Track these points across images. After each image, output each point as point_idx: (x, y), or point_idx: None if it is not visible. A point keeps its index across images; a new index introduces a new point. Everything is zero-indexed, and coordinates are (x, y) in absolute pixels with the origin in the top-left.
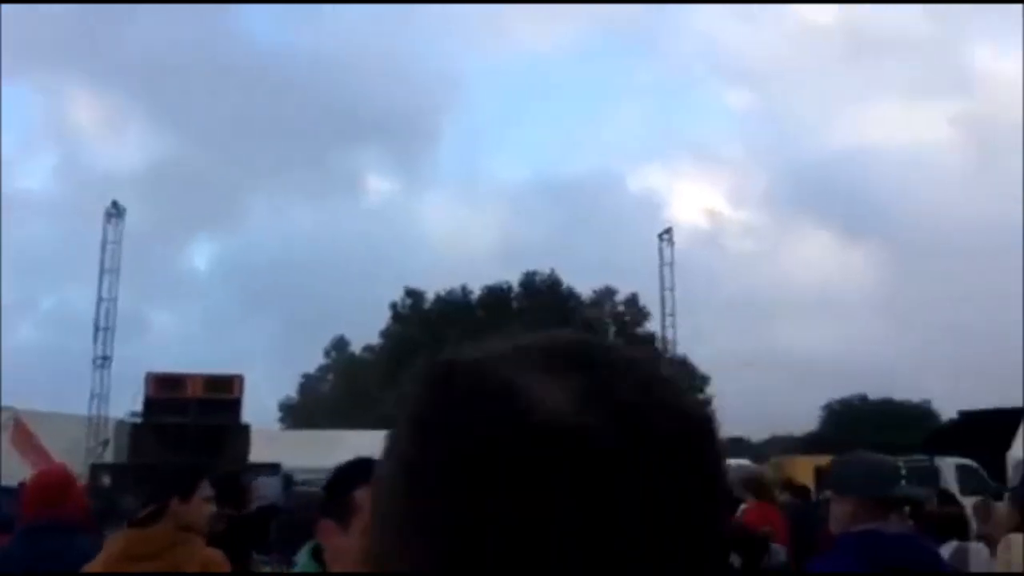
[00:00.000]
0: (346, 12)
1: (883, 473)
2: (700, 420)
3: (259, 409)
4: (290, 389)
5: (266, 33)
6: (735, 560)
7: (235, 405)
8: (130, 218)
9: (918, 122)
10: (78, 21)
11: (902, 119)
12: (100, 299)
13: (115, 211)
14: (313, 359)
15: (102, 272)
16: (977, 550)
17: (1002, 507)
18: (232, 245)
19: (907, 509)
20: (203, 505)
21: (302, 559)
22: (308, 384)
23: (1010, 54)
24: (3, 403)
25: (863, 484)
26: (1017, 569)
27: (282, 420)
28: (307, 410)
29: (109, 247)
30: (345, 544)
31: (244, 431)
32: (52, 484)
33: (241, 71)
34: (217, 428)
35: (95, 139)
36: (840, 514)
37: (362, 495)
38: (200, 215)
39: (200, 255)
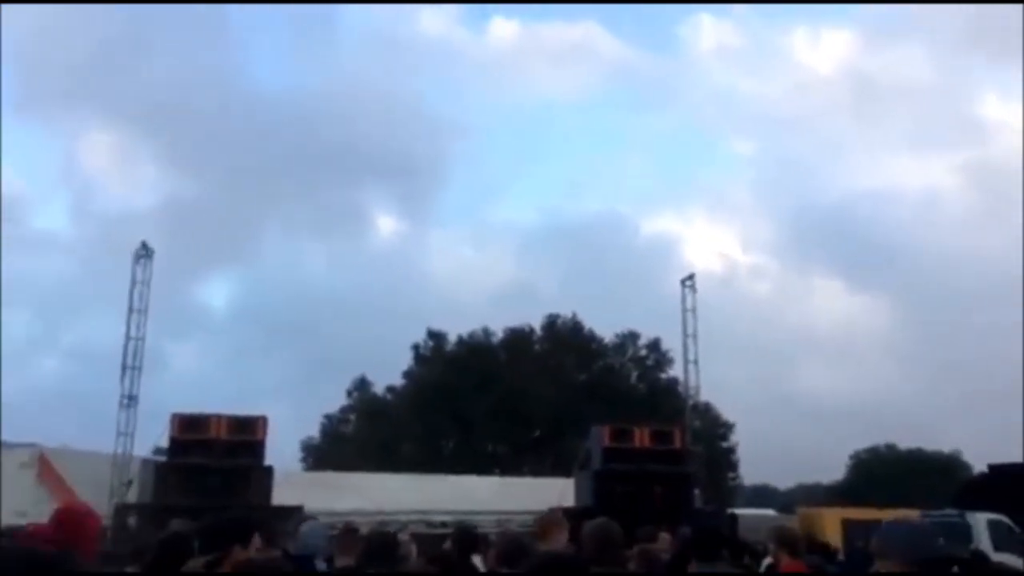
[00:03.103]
0: (359, 56)
1: (924, 537)
2: None
3: (281, 449)
4: (312, 429)
5: (277, 75)
6: None
7: (259, 447)
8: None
9: (924, 169)
10: (92, 63)
11: (908, 166)
12: (128, 338)
13: (144, 252)
14: (335, 399)
15: (130, 312)
16: None
17: None
18: (250, 285)
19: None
20: (259, 554)
21: None
22: (330, 425)
23: (1013, 103)
24: (28, 440)
25: (906, 548)
26: None
27: (304, 460)
28: (329, 451)
29: (137, 287)
30: None
31: (267, 473)
32: (69, 522)
33: (253, 112)
34: (241, 469)
35: (110, 180)
36: None
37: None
38: (216, 255)
39: (219, 294)
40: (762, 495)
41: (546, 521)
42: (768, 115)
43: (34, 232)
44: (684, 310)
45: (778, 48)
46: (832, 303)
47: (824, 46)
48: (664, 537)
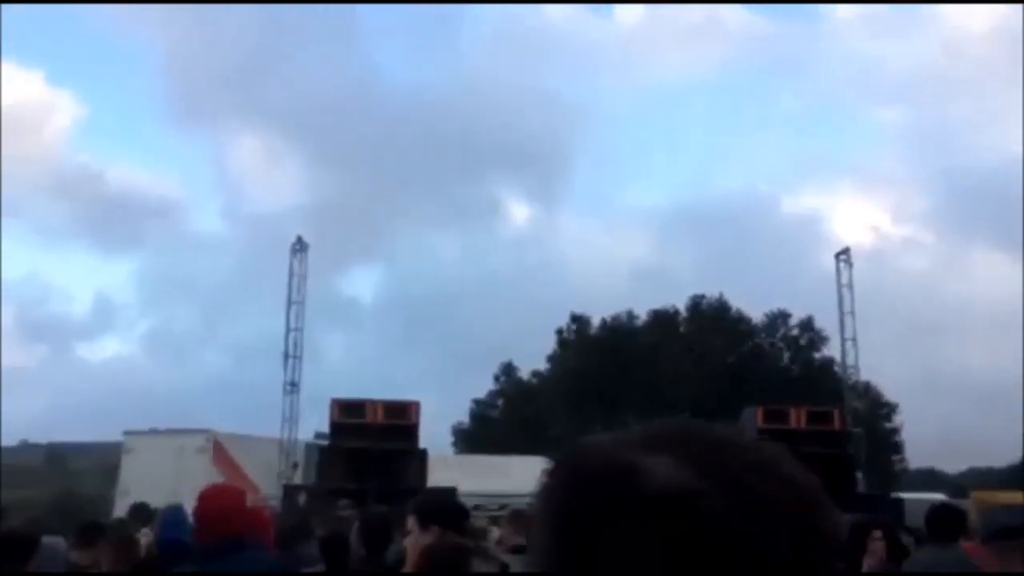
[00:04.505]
0: (486, 50)
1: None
2: (810, 488)
3: (433, 434)
4: (462, 415)
5: (408, 72)
6: None
7: (412, 430)
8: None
9: None
10: (233, 71)
11: None
12: (288, 329)
13: (299, 246)
14: (484, 385)
15: (289, 304)
16: None
17: None
18: (394, 276)
19: None
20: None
21: None
22: (478, 409)
23: None
24: (201, 427)
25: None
26: None
27: (455, 445)
28: (478, 435)
29: (295, 280)
30: None
31: (422, 456)
32: (218, 504)
33: (387, 109)
34: (397, 452)
35: (255, 181)
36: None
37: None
38: (359, 249)
39: (365, 286)
40: (928, 479)
41: None
42: (915, 79)
43: (194, 234)
44: (839, 286)
45: (923, 9)
46: (995, 274)
47: (974, 4)
48: None
